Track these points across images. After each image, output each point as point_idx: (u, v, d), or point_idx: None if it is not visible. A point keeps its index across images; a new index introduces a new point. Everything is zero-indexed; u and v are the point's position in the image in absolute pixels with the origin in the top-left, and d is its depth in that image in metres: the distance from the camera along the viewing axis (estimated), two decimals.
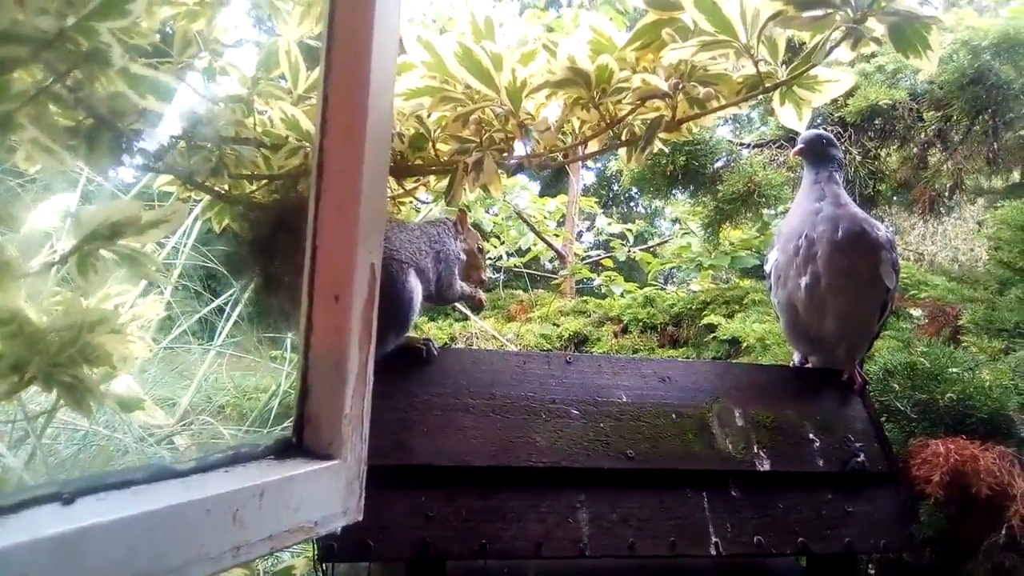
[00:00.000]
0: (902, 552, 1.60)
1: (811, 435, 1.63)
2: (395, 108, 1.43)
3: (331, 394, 0.97)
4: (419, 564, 1.30)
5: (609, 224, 7.09)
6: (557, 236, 6.92)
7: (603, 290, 6.27)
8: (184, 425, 2.66)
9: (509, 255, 6.70)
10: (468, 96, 1.44)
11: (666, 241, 6.88)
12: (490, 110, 1.45)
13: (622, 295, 5.44)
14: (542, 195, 7.04)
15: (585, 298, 5.63)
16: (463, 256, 1.61)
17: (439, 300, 1.59)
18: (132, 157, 1.24)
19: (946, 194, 3.63)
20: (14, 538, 0.57)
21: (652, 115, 1.49)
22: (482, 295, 1.68)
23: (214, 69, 1.34)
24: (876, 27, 1.28)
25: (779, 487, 1.54)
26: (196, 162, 1.32)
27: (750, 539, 1.45)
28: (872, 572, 1.79)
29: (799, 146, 1.88)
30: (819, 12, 1.25)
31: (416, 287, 1.43)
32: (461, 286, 1.60)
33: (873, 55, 3.53)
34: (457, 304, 1.72)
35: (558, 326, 4.91)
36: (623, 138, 1.61)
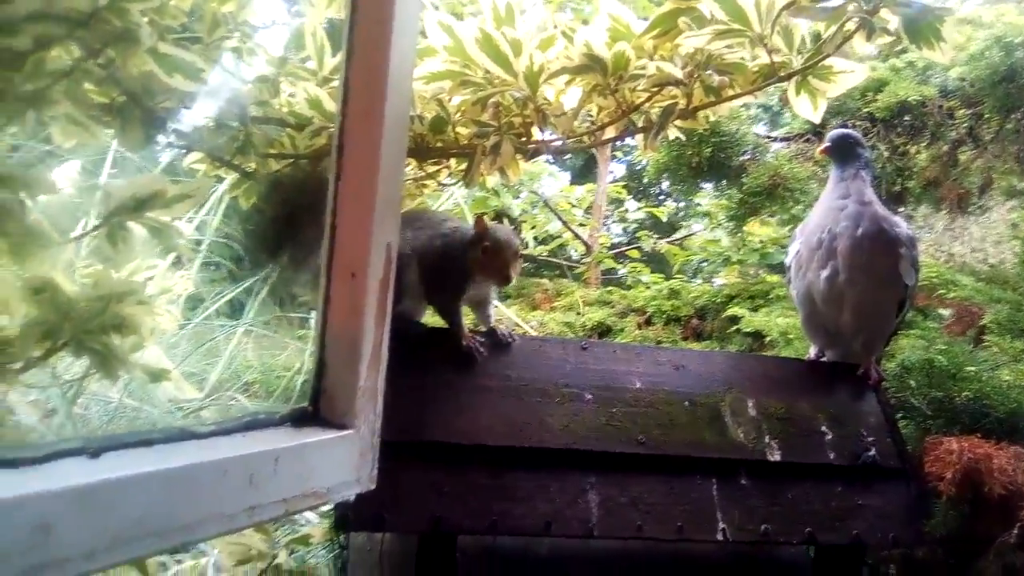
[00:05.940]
0: (911, 546, 1.60)
1: (823, 428, 1.63)
2: (417, 91, 1.46)
3: (346, 367, 1.00)
4: (431, 537, 1.33)
5: (638, 209, 7.04)
6: (584, 226, 6.89)
7: (628, 281, 6.24)
8: (212, 400, 2.72)
9: (538, 243, 6.69)
10: (487, 80, 1.46)
11: (693, 234, 6.82)
12: (509, 95, 1.47)
13: (648, 287, 5.41)
14: (572, 185, 7.00)
15: (610, 288, 5.60)
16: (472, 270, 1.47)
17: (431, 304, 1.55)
18: (163, 134, 1.28)
19: (975, 193, 3.58)
20: (43, 485, 0.60)
21: (668, 102, 1.51)
22: (475, 343, 1.51)
23: (242, 49, 1.38)
24: (890, 19, 1.28)
25: (789, 477, 1.54)
26: (224, 140, 1.36)
27: (757, 527, 1.46)
28: (891, 572, 1.79)
29: (825, 144, 1.88)
30: (832, 3, 1.26)
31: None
32: (456, 313, 1.51)
33: (904, 51, 3.47)
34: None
35: (581, 315, 4.90)
36: (639, 125, 1.63)
